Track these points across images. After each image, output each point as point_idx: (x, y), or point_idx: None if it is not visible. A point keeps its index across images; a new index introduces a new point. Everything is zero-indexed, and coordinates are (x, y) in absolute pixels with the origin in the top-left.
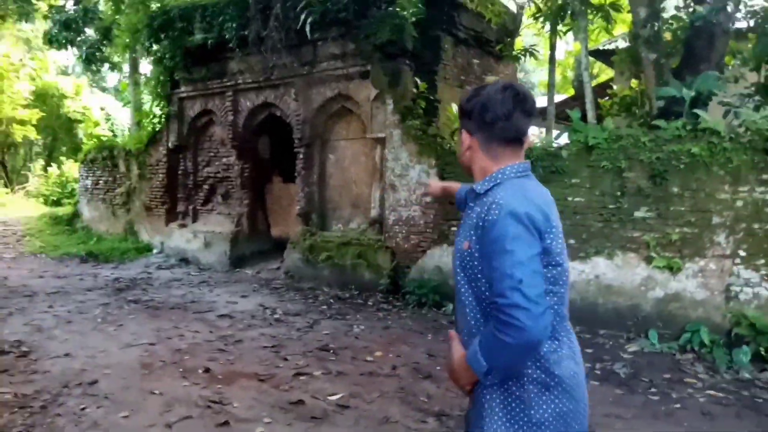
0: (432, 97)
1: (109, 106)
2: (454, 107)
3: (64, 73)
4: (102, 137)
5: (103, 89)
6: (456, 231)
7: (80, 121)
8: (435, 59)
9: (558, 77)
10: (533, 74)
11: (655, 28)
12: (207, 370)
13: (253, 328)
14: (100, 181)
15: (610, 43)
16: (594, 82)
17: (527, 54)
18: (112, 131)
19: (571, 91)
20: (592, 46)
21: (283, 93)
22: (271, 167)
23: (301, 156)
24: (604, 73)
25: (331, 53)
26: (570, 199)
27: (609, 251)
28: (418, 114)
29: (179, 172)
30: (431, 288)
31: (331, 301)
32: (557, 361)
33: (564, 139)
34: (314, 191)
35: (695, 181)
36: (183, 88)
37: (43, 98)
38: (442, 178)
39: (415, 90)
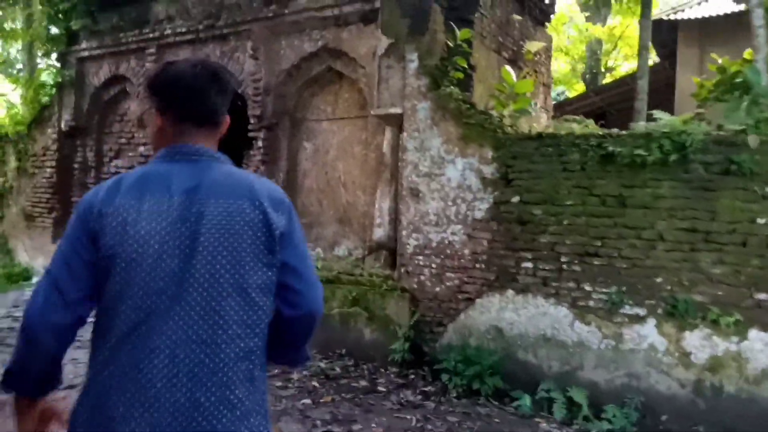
0: (467, 59)
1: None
2: (509, 70)
3: None
4: None
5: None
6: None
7: None
8: (471, 5)
9: (566, 68)
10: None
11: None
12: None
13: None
14: None
15: (675, 12)
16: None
17: None
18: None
19: (580, 88)
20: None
21: (234, 47)
22: None
23: (259, 143)
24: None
25: None
26: (761, 221)
27: None
28: (457, 79)
29: (76, 165)
30: (488, 365)
31: (313, 382)
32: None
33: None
34: None
35: None
36: (84, 45)
37: None
38: (507, 180)
39: (449, 43)
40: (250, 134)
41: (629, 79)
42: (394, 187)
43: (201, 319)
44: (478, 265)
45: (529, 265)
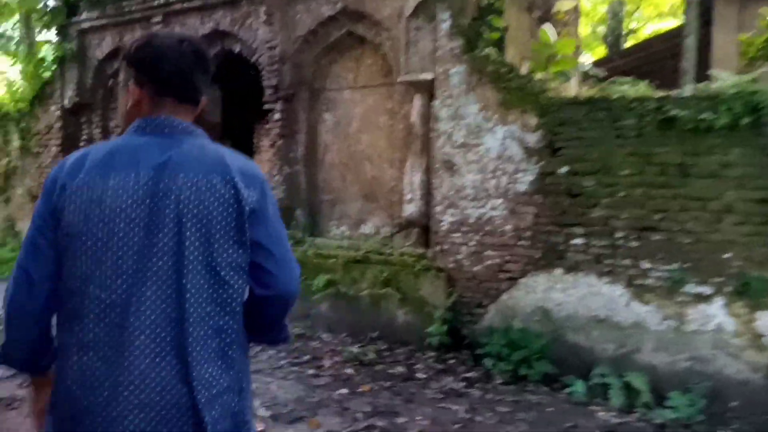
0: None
1: (11, 70)
2: (549, 30)
3: None
4: None
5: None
6: None
7: None
8: None
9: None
10: None
11: None
12: None
13: None
14: None
15: None
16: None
17: None
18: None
19: (600, 51)
20: None
21: (246, 13)
22: (223, 137)
23: (276, 116)
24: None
25: None
26: None
27: None
28: (493, 40)
29: (81, 143)
30: (536, 349)
31: (347, 369)
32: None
33: None
34: (299, 172)
35: None
36: (85, 15)
37: None
38: (553, 149)
39: (481, 1)
40: (266, 106)
41: (656, 41)
42: (425, 159)
43: (170, 297)
44: (521, 242)
45: (580, 241)
